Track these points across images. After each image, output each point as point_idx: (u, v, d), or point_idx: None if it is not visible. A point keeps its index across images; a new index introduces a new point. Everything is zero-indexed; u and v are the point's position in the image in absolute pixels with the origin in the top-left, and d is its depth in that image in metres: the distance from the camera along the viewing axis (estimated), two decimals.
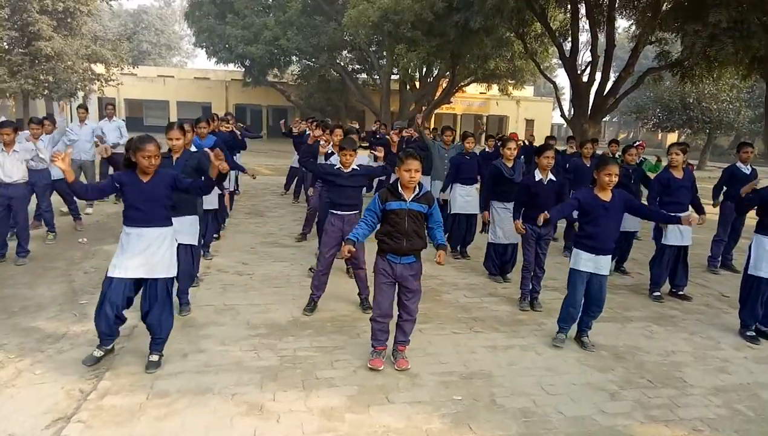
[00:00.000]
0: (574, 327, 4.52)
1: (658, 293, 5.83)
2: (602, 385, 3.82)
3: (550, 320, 4.89)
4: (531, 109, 40.12)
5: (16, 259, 6.13)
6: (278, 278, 5.93)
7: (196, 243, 4.73)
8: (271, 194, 12.26)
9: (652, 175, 6.77)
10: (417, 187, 3.75)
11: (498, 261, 6.27)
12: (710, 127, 28.48)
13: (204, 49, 31.21)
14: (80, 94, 23.73)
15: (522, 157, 8.45)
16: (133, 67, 25.45)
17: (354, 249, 3.79)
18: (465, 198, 7.13)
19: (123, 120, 11.11)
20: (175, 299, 4.77)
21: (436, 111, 33.32)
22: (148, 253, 3.59)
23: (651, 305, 5.63)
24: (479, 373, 3.91)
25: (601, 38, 19.16)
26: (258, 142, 31.69)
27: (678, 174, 5.74)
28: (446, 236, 7.62)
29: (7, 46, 19.58)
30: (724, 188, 7.21)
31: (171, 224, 3.78)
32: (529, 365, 4.09)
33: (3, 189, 5.99)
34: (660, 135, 47.26)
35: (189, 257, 4.68)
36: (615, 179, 4.16)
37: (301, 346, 4.23)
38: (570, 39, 18.31)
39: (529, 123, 40.12)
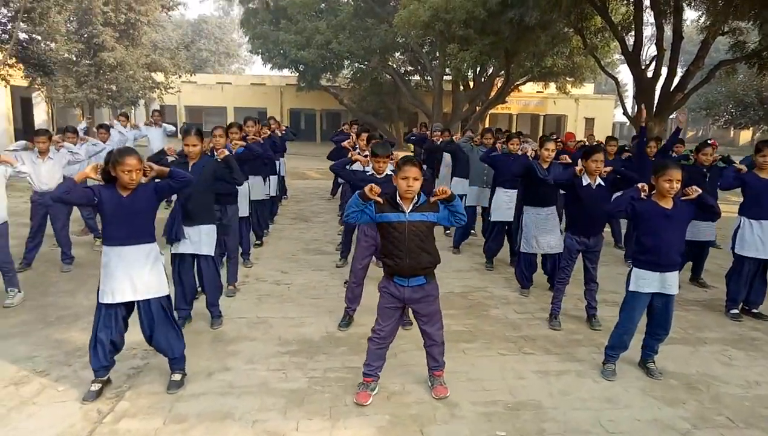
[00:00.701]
0: (636, 350, 4.01)
1: (736, 311, 5.18)
2: (672, 422, 3.31)
3: None
4: (591, 108, 38.54)
5: (62, 266, 6.17)
6: (316, 289, 5.68)
7: (212, 253, 4.52)
8: (319, 199, 12.11)
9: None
10: (417, 196, 3.33)
11: (528, 273, 5.77)
12: None
13: (260, 55, 31.85)
14: (141, 102, 24.60)
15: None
16: (191, 75, 26.12)
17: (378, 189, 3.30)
18: (508, 204, 6.62)
19: (172, 125, 11.22)
20: (206, 311, 4.63)
21: (491, 111, 32.55)
22: (132, 274, 3.36)
23: (728, 325, 4.99)
24: (527, 403, 3.49)
25: (667, 30, 17.99)
26: (311, 145, 31.99)
27: (766, 176, 5.06)
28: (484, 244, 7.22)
29: (74, 58, 20.48)
30: None
31: (154, 241, 3.51)
32: (585, 395, 3.62)
33: (40, 197, 6.04)
34: (732, 132, 44.37)
35: (212, 268, 4.50)
36: (677, 186, 3.63)
37: (333, 366, 3.93)
38: (633, 32, 17.30)
39: (589, 122, 38.53)
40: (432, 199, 3.35)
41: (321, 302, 5.24)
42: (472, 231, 8.24)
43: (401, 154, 4.43)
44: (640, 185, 3.80)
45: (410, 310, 3.67)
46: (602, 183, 4.73)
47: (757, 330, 4.86)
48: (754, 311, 5.20)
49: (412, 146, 12.35)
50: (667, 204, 3.71)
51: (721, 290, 5.76)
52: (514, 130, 37.19)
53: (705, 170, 5.99)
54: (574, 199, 4.77)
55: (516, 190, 6.65)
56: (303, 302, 5.27)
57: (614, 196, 4.28)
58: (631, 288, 3.82)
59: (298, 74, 30.85)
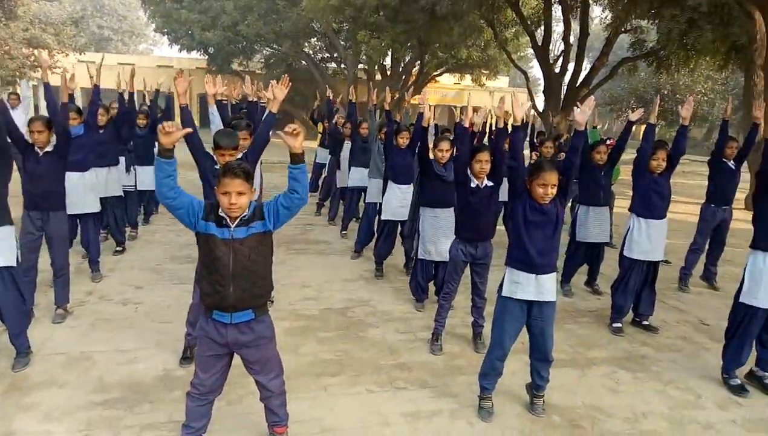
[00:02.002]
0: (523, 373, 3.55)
1: (618, 325, 4.87)
2: None
3: None
4: (506, 100, 39.24)
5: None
6: (171, 309, 4.85)
7: (14, 264, 3.62)
8: None
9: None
10: (248, 209, 2.64)
11: (424, 284, 5.26)
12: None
13: (166, 35, 29.72)
14: (30, 82, 22.11)
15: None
16: (80, 54, 23.79)
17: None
18: (402, 202, 6.06)
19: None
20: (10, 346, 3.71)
21: (408, 102, 32.29)
22: None
23: (618, 340, 4.69)
24: None
25: (575, 26, 18.30)
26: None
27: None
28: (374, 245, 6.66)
29: None
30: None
31: None
32: None
33: None
34: (633, 127, 46.91)
35: (9, 286, 3.59)
36: (552, 192, 3.15)
37: (156, 421, 3.17)
38: (543, 27, 17.41)
39: (505, 115, 39.25)
40: (282, 134, 2.56)
41: (170, 328, 4.42)
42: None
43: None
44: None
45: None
46: (489, 184, 4.25)
47: (646, 345, 4.59)
48: (645, 323, 4.95)
49: (320, 127, 11.60)
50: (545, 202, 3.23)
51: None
52: (432, 123, 37.18)
53: (602, 173, 5.69)
54: (463, 203, 4.26)
55: (410, 186, 6.11)
56: (147, 329, 4.43)
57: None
58: (503, 293, 3.30)
59: (207, 57, 29.12)
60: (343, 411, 3.36)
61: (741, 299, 3.77)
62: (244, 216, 2.62)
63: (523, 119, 3.63)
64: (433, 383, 3.77)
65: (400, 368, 3.97)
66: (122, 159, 6.76)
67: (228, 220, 2.60)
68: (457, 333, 4.63)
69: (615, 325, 4.86)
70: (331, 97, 10.72)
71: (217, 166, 3.85)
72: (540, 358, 3.38)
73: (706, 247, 6.35)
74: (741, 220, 8.16)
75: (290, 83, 4.14)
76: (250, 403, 3.32)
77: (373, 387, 3.68)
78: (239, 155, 4.13)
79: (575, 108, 3.38)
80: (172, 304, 4.97)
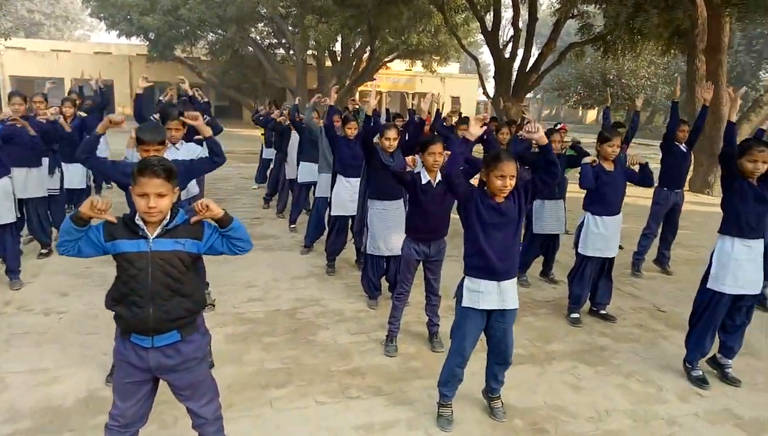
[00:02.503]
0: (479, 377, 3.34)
1: (576, 315, 4.75)
2: None
3: None
4: (457, 86, 39.32)
5: None
6: (98, 318, 4.39)
7: None
8: None
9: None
10: (170, 215, 2.30)
11: (376, 280, 4.99)
12: (629, 103, 28.71)
13: (103, 20, 28.17)
14: None
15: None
16: (5, 39, 22.20)
17: None
18: (352, 196, 5.76)
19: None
20: None
21: (360, 88, 31.85)
22: None
23: (576, 332, 4.57)
24: None
25: (524, 12, 18.32)
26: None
27: (611, 168, 4.65)
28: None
29: None
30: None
31: None
32: None
33: None
34: (581, 112, 48.07)
35: None
36: (511, 183, 2.91)
37: None
38: (492, 12, 17.33)
39: (455, 100, 39.38)
40: (192, 219, 2.32)
41: (96, 341, 4.00)
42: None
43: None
44: None
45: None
46: (442, 180, 4.00)
47: (604, 336, 4.48)
48: (602, 312, 4.86)
49: (262, 132, 11.08)
50: (500, 198, 3.00)
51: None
52: (384, 108, 36.86)
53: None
54: (415, 198, 4.00)
55: (359, 179, 5.81)
56: (71, 342, 3.99)
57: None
58: (463, 304, 3.06)
59: (148, 43, 27.78)
60: (290, 429, 3.07)
61: (708, 285, 3.67)
62: (167, 224, 2.28)
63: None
64: (388, 390, 3.52)
65: (353, 374, 3.71)
66: (45, 160, 6.08)
67: (145, 229, 2.25)
68: (413, 332, 4.40)
69: (573, 315, 4.74)
70: (274, 110, 9.91)
71: None
72: (500, 362, 3.19)
73: (659, 231, 6.34)
74: (688, 202, 8.28)
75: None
76: (187, 424, 2.97)
77: (323, 398, 3.39)
78: (168, 151, 3.73)
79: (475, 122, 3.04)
80: (101, 313, 4.51)
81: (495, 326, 3.09)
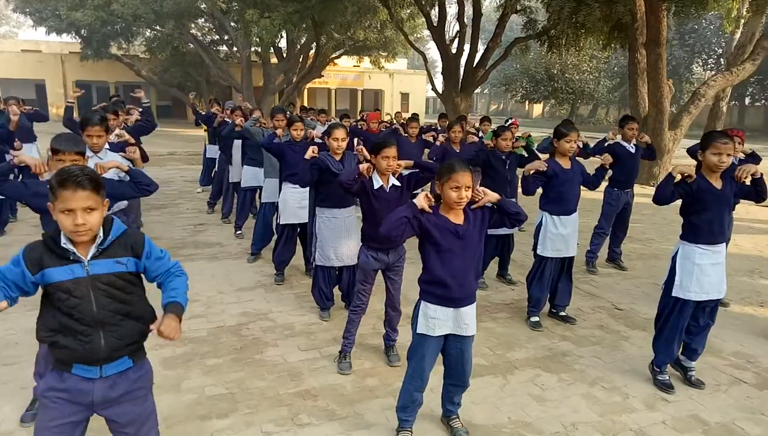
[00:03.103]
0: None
1: (536, 319, 4.60)
2: None
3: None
4: (406, 83, 39.30)
5: None
6: (18, 346, 3.90)
7: None
8: None
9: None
10: (103, 229, 1.99)
11: (328, 291, 4.70)
12: (573, 97, 29.42)
13: (29, 16, 26.47)
14: None
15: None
16: None
17: None
18: (300, 203, 5.43)
19: None
20: None
21: (308, 86, 31.26)
22: None
23: (538, 336, 4.42)
24: None
25: (468, 7, 18.33)
26: None
27: (567, 165, 4.51)
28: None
29: None
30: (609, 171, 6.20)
31: None
32: None
33: None
34: (527, 106, 49.08)
35: None
36: (467, 194, 2.67)
37: None
38: (437, 7, 17.24)
39: (405, 96, 39.35)
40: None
41: (14, 372, 3.53)
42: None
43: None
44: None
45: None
46: (397, 184, 3.74)
47: (566, 340, 4.35)
48: (562, 314, 4.73)
49: (205, 129, 10.53)
50: (457, 218, 2.77)
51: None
52: (334, 106, 36.54)
53: (504, 157, 5.38)
54: (368, 205, 3.72)
55: (307, 188, 5.49)
56: None
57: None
58: (419, 330, 2.84)
59: (81, 40, 26.32)
60: None
61: (673, 293, 3.54)
62: (102, 243, 1.97)
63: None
64: (342, 413, 3.24)
65: (303, 397, 3.40)
66: None
67: (76, 251, 1.93)
68: (368, 345, 4.13)
69: (533, 319, 4.59)
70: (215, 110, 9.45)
71: None
72: (457, 384, 2.98)
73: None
74: (636, 194, 8.36)
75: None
76: None
77: (270, 427, 3.08)
78: (90, 162, 3.31)
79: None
80: (22, 339, 4.02)
81: (452, 348, 2.88)
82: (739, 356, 4.15)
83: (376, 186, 3.67)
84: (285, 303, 4.96)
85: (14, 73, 30.98)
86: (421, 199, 2.68)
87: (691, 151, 3.81)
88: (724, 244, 3.56)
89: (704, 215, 3.43)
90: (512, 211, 2.85)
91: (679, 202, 3.56)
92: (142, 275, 2.12)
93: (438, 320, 2.77)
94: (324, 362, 3.86)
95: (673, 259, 3.58)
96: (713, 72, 31.82)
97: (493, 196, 2.79)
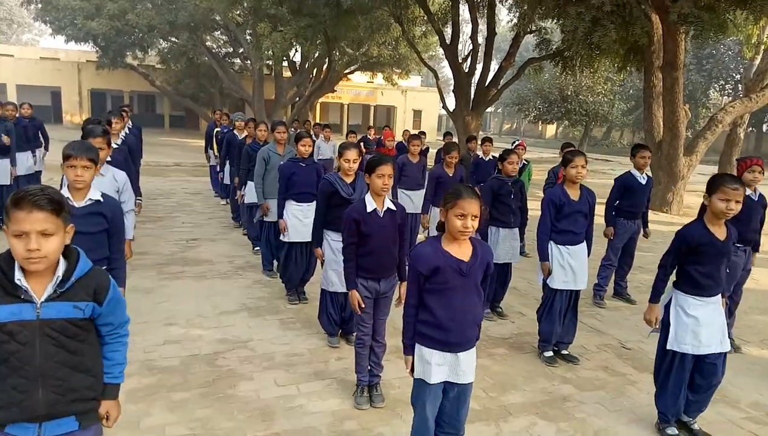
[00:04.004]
0: None
1: (549, 354, 4.29)
2: None
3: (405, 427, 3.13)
4: (419, 100, 39.26)
5: None
6: None
7: None
8: None
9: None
10: (67, 265, 1.74)
11: (337, 316, 4.43)
12: (587, 119, 29.05)
13: (48, 24, 26.82)
14: None
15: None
16: None
17: None
18: (303, 221, 5.20)
19: None
20: None
21: (321, 100, 31.26)
22: None
23: (536, 377, 4.06)
24: None
25: (482, 26, 18.16)
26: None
27: (575, 195, 4.20)
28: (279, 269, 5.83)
29: None
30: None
31: None
32: None
33: None
34: (540, 126, 48.75)
35: None
36: (474, 224, 2.40)
37: None
38: (450, 25, 17.08)
39: (417, 113, 39.28)
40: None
41: None
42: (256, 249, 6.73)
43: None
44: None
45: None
46: (393, 207, 3.46)
47: (567, 383, 3.99)
48: (564, 352, 4.38)
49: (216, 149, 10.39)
50: (462, 254, 2.47)
51: (530, 319, 4.96)
52: (346, 121, 36.55)
53: (510, 184, 5.05)
54: (359, 232, 3.43)
55: (312, 204, 5.24)
56: None
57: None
58: (416, 375, 2.57)
59: (98, 49, 26.58)
60: None
61: (668, 347, 3.21)
62: (62, 283, 1.71)
63: None
64: None
65: None
66: None
67: (29, 289, 1.67)
68: (346, 381, 3.80)
69: (546, 354, 4.29)
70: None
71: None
72: (449, 432, 2.67)
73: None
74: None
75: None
76: None
77: None
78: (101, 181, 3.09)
79: None
80: None
81: (448, 395, 2.59)
82: (758, 408, 3.77)
83: (369, 209, 3.39)
84: (268, 330, 4.66)
85: (31, 80, 31.35)
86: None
87: None
88: (719, 295, 3.21)
89: (701, 267, 3.12)
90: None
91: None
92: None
93: (433, 365, 2.49)
94: (301, 400, 3.55)
95: (666, 308, 3.23)
96: (730, 98, 31.35)
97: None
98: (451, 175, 6.08)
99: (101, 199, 2.95)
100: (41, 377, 1.70)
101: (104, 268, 3.12)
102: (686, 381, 3.22)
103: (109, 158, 4.41)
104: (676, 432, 3.26)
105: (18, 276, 1.66)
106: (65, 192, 2.90)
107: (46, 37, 54.43)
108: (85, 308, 1.75)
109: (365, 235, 3.38)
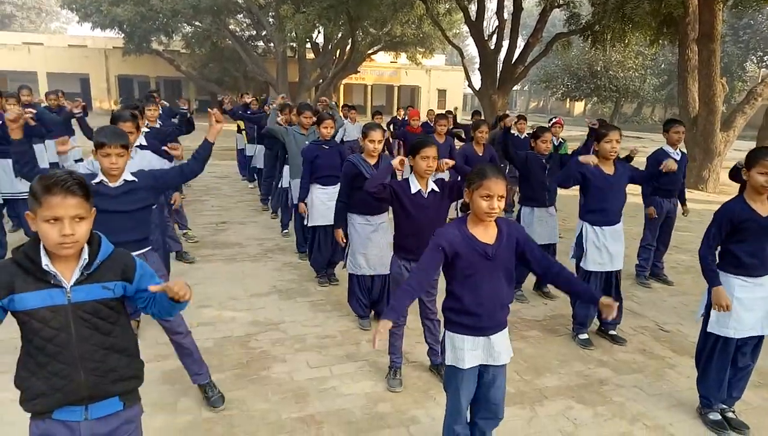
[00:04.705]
0: None
1: (584, 336, 4.21)
2: None
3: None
4: (443, 79, 38.75)
5: None
6: None
7: None
8: None
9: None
10: (90, 249, 1.74)
11: (366, 299, 4.42)
12: (617, 95, 28.32)
13: (75, 12, 27.19)
14: None
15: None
16: None
17: None
18: (327, 204, 5.20)
19: None
20: None
21: (344, 81, 31.11)
22: None
23: (571, 360, 3.99)
24: None
25: (508, 1, 17.74)
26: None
27: (610, 170, 4.09)
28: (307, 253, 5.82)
29: None
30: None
31: None
32: None
33: None
34: (568, 103, 47.74)
35: None
36: (500, 206, 2.33)
37: None
38: (476, 1, 16.71)
39: (441, 93, 38.81)
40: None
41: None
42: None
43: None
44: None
45: None
46: (437, 189, 3.40)
47: (603, 366, 3.90)
48: (611, 332, 4.29)
49: (242, 124, 10.42)
50: (488, 237, 2.41)
51: (564, 301, 4.87)
52: (370, 102, 36.32)
53: (545, 161, 4.94)
54: (402, 211, 3.39)
55: (336, 187, 5.22)
56: None
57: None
58: (448, 362, 2.52)
59: (124, 35, 26.87)
60: None
61: (709, 329, 3.10)
62: (88, 266, 1.73)
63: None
64: None
65: (307, 423, 3.10)
66: None
67: (58, 274, 1.68)
68: (379, 363, 3.78)
69: (581, 337, 4.21)
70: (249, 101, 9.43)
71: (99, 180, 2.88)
72: (488, 417, 2.63)
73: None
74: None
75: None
76: None
77: None
78: (130, 162, 3.10)
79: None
80: None
81: (483, 376, 2.54)
82: None
83: (413, 190, 3.35)
84: (299, 312, 4.67)
85: (61, 68, 31.89)
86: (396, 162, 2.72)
87: (733, 173, 3.26)
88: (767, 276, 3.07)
89: (745, 246, 2.97)
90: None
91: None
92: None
93: (466, 350, 2.44)
94: (334, 382, 3.55)
95: (709, 291, 3.10)
96: None
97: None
98: (480, 154, 5.97)
99: (135, 179, 2.99)
100: (80, 360, 1.73)
101: (149, 248, 3.17)
102: (729, 365, 3.11)
103: (145, 143, 4.46)
104: (720, 417, 3.15)
105: (45, 262, 1.68)
106: (100, 175, 2.91)
107: (73, 25, 55.17)
108: (114, 287, 1.77)
109: (410, 215, 3.34)
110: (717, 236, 3.05)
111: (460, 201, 5.24)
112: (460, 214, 2.64)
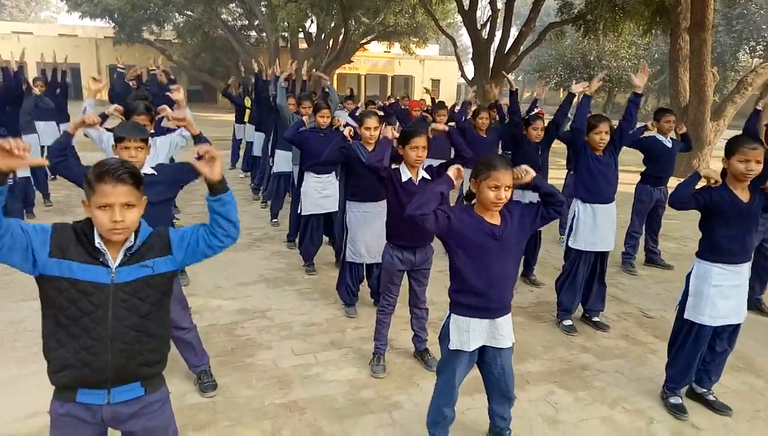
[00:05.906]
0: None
1: (569, 323, 4.25)
2: None
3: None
4: (436, 69, 38.59)
5: None
6: None
7: None
8: None
9: None
10: (137, 235, 1.80)
11: (355, 288, 4.44)
12: (610, 85, 28.32)
13: (65, 1, 26.95)
14: None
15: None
16: None
17: None
18: (321, 192, 5.21)
19: None
20: None
21: (338, 71, 30.94)
22: None
23: (555, 346, 4.03)
24: None
25: None
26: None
27: (599, 153, 4.18)
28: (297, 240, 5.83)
29: None
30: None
31: None
32: None
33: None
34: (561, 93, 47.70)
35: None
36: (506, 195, 2.37)
37: None
38: None
39: (435, 83, 38.66)
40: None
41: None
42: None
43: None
44: None
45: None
46: (427, 176, 3.41)
47: (586, 352, 3.94)
48: (594, 319, 4.34)
49: (248, 102, 10.34)
50: (493, 218, 2.45)
51: (549, 288, 4.90)
52: (364, 92, 36.10)
53: (539, 152, 4.98)
54: (394, 198, 3.42)
55: (331, 175, 5.25)
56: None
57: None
58: (452, 347, 2.53)
59: (114, 25, 26.59)
60: None
61: (685, 316, 3.13)
62: (131, 247, 1.78)
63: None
64: (329, 431, 2.94)
65: (290, 409, 3.12)
66: None
67: (107, 253, 1.74)
68: (363, 350, 3.80)
69: (565, 323, 4.25)
70: (258, 69, 9.28)
71: None
72: (502, 401, 2.71)
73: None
74: (672, 187, 7.83)
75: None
76: None
77: None
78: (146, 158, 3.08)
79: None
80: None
81: (491, 363, 2.60)
82: None
83: (404, 178, 3.37)
84: (285, 300, 4.69)
85: (50, 57, 31.56)
86: (452, 171, 2.52)
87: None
88: (747, 264, 3.10)
89: (725, 231, 2.99)
90: (548, 191, 2.55)
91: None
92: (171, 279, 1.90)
93: (472, 332, 2.48)
94: (318, 369, 3.57)
95: (688, 278, 3.14)
96: (761, 60, 30.20)
97: (532, 173, 2.49)
98: (484, 136, 6.03)
99: (155, 173, 3.02)
100: (111, 340, 1.75)
101: None
102: (701, 353, 3.15)
103: (152, 131, 4.46)
104: (680, 401, 3.20)
105: (98, 241, 1.75)
106: None
107: (63, 14, 54.70)
108: (153, 264, 1.81)
109: (401, 202, 3.34)
110: (695, 197, 3.00)
111: (464, 191, 5.29)
112: (464, 204, 2.67)
